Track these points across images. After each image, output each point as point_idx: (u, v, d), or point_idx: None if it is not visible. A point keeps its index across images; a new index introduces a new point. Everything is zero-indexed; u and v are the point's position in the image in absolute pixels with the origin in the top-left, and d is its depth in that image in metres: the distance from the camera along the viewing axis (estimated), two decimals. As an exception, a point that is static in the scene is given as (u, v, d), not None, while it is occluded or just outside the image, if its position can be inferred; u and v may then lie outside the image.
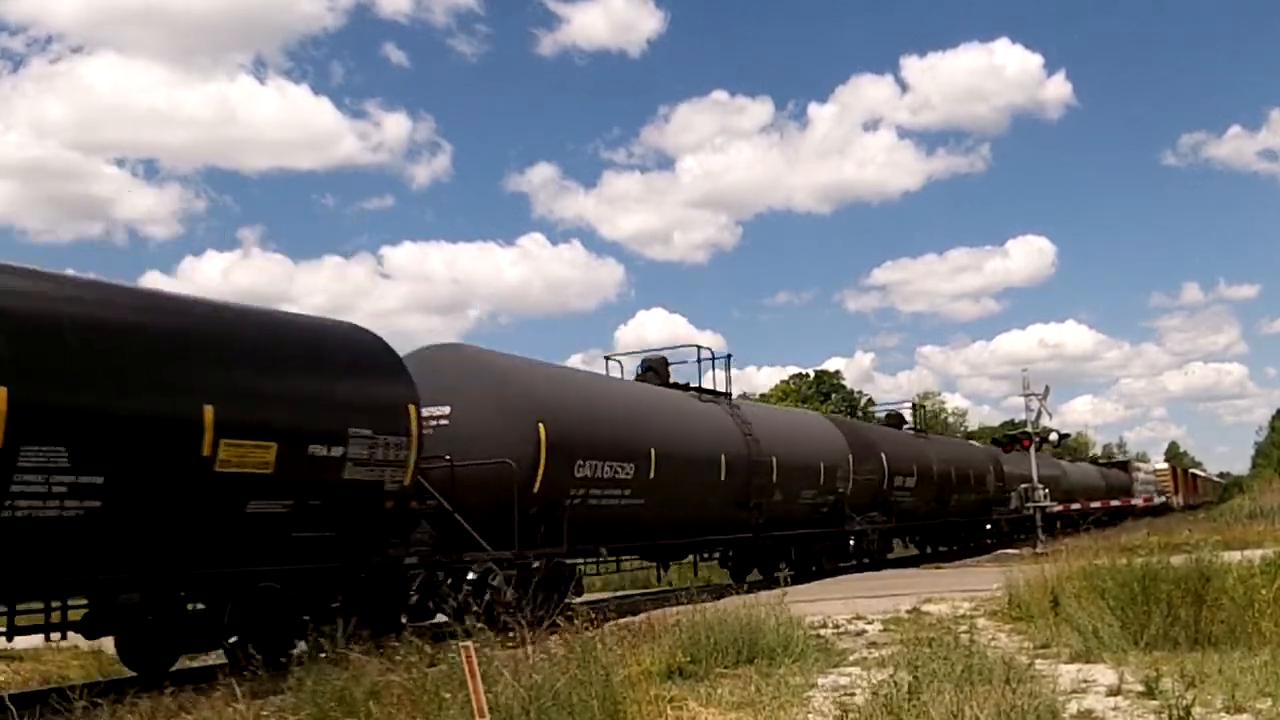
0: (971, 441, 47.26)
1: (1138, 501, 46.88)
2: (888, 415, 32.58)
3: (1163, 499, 55.04)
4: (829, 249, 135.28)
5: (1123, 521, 40.10)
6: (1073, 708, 6.66)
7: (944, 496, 30.33)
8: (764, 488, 19.24)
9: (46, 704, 6.88)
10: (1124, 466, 65.41)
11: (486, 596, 12.31)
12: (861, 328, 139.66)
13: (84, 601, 9.58)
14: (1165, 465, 78.96)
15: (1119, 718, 6.55)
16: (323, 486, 10.46)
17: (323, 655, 7.63)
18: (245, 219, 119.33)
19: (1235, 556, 10.88)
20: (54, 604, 9.09)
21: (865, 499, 24.45)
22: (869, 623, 11.80)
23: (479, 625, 7.29)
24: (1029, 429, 32.80)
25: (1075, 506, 38.73)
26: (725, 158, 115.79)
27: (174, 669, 11.02)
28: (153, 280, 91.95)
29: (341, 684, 6.86)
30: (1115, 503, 43.40)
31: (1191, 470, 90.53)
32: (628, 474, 15.39)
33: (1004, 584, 12.52)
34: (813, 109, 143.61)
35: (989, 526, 35.56)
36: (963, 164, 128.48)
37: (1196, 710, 6.11)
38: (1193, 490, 76.18)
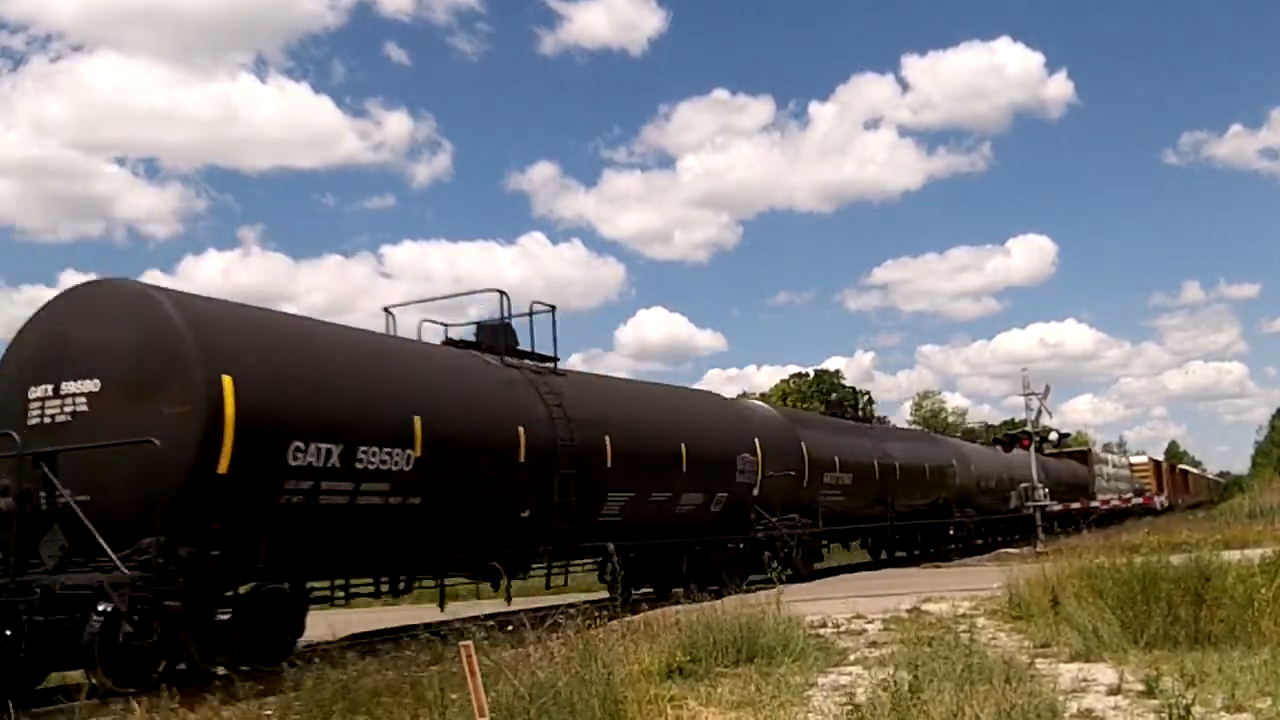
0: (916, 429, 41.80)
1: (1100, 503, 38.12)
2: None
3: (1142, 500, 44.89)
4: (830, 248, 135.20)
5: (1075, 533, 30.82)
6: (1073, 707, 6.65)
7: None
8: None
9: (49, 702, 6.88)
10: (1082, 457, 49.99)
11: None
12: (862, 327, 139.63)
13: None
14: (1145, 458, 63.83)
15: (1119, 717, 6.55)
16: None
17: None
18: (246, 218, 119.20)
19: (1235, 556, 10.89)
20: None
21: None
22: (869, 622, 11.79)
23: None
24: (1029, 428, 32.73)
25: (1007, 510, 33.32)
26: (726, 157, 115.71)
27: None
28: (152, 279, 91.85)
29: (342, 683, 6.86)
30: (1060, 506, 34.19)
31: (1181, 466, 79.79)
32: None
33: (1004, 583, 12.52)
34: (814, 108, 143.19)
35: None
36: (964, 163, 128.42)
37: (1196, 709, 6.11)
38: (1183, 489, 65.48)
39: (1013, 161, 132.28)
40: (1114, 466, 53.64)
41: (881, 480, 25.18)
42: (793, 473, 20.31)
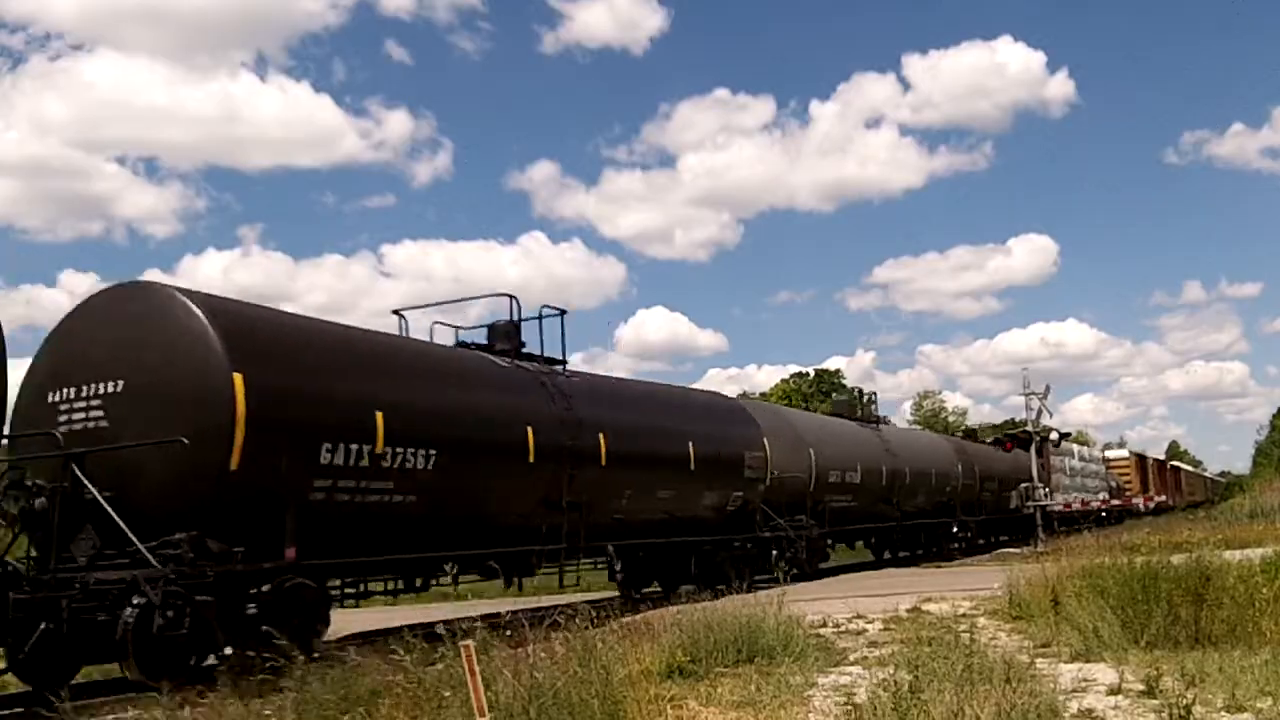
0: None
1: (1060, 506, 32.24)
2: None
3: (1119, 502, 39.68)
4: (830, 247, 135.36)
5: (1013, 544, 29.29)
6: (1073, 707, 6.65)
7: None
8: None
9: (46, 702, 6.88)
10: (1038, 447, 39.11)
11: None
12: (863, 326, 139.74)
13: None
14: (1125, 451, 55.71)
15: (1119, 717, 6.55)
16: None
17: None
18: (246, 217, 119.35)
19: (1235, 556, 10.90)
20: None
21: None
22: (869, 622, 11.80)
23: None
24: (1029, 428, 32.68)
25: (890, 517, 25.71)
26: (727, 156, 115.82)
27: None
28: (152, 279, 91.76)
29: (341, 683, 6.86)
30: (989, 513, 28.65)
31: (1173, 463, 71.91)
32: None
33: (1004, 583, 12.52)
34: (814, 107, 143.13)
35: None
36: (965, 162, 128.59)
37: (1197, 709, 6.11)
38: (1173, 488, 58.31)
39: (1014, 161, 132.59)
40: (1082, 460, 43.44)
41: (557, 468, 14.44)
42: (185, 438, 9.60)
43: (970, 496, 31.24)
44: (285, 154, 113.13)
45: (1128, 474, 49.32)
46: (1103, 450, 54.58)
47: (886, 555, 28.77)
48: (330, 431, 11.11)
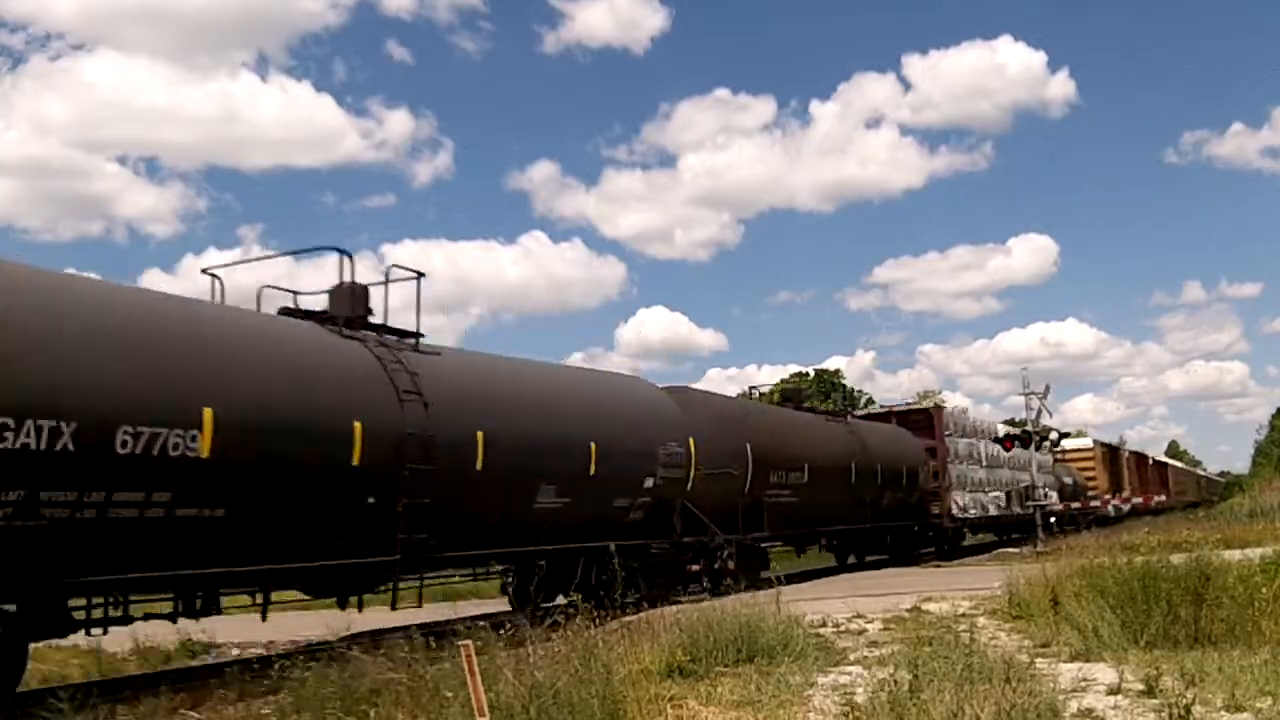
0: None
1: (956, 511, 24.24)
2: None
3: (1064, 506, 31.81)
4: (831, 247, 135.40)
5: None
6: (1073, 706, 6.65)
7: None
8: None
9: (46, 703, 6.88)
10: (927, 423, 26.98)
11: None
12: (863, 326, 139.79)
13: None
14: (1089, 440, 44.70)
15: (1119, 716, 6.54)
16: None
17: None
18: (246, 217, 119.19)
19: (1235, 555, 10.90)
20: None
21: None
22: (869, 621, 11.79)
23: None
24: (1029, 428, 32.63)
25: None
26: (727, 156, 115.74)
27: (176, 668, 11.02)
28: (153, 278, 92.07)
29: (342, 682, 6.86)
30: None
31: (1157, 457, 61.47)
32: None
33: (1004, 583, 12.52)
34: (815, 107, 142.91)
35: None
36: (965, 162, 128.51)
37: (1196, 709, 6.11)
38: (1157, 487, 49.40)
39: (1014, 161, 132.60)
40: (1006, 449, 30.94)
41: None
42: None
43: (726, 499, 18.14)
44: (286, 154, 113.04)
45: (1090, 469, 39.92)
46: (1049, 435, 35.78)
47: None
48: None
